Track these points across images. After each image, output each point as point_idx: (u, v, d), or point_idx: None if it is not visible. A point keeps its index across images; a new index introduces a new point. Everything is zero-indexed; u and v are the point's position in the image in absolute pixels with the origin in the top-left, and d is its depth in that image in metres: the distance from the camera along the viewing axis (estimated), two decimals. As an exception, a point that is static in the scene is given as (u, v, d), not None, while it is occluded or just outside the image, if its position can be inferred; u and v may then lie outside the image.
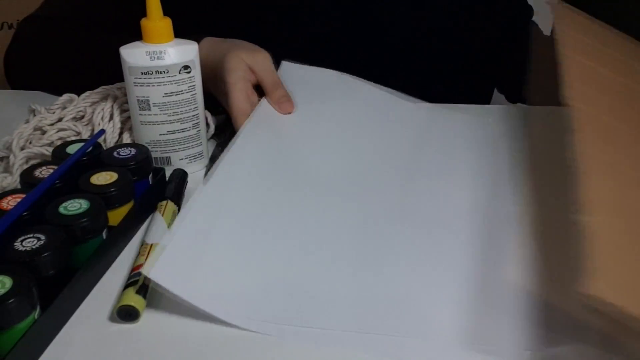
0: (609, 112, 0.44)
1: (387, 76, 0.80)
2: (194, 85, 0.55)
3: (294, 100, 0.63)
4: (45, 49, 0.74)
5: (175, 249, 0.42)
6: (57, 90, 0.69)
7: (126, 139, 0.60)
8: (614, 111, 0.45)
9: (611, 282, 0.29)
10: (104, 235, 0.45)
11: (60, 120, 0.61)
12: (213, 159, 0.61)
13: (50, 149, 0.54)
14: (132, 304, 0.40)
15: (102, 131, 0.58)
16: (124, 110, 0.61)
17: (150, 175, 0.53)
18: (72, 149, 0.52)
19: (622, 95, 0.48)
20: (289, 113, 0.63)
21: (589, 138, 0.38)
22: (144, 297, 0.41)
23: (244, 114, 0.60)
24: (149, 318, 0.40)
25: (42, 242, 0.39)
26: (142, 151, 0.53)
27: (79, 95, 0.64)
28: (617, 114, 0.45)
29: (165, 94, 0.54)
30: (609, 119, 0.42)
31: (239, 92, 0.60)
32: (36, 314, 0.37)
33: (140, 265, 0.43)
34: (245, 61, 0.61)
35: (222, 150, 0.62)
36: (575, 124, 0.39)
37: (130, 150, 0.52)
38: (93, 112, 0.61)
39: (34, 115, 0.62)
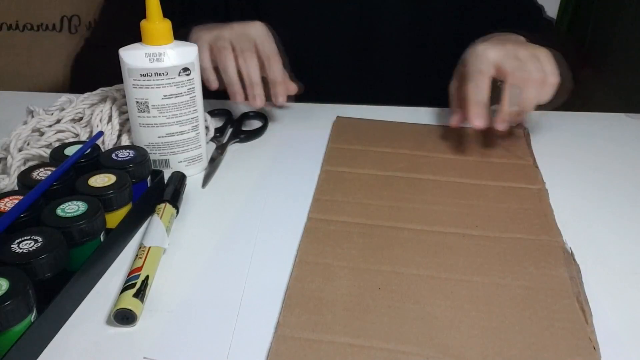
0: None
1: (383, 78, 0.80)
2: (193, 88, 0.55)
3: None
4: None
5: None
6: None
7: (125, 141, 0.60)
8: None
9: None
10: (102, 237, 0.45)
11: (58, 121, 0.61)
12: (212, 162, 0.61)
13: (48, 151, 0.54)
14: (129, 307, 0.39)
15: (101, 133, 0.58)
16: (122, 112, 0.61)
17: (149, 178, 0.53)
18: (70, 151, 0.52)
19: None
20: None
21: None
22: (142, 300, 0.41)
23: None
24: (146, 321, 0.40)
25: (39, 244, 0.39)
26: (141, 153, 0.52)
27: None
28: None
29: (164, 96, 0.54)
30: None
31: None
32: (33, 316, 0.37)
33: (138, 269, 0.43)
34: None
35: (221, 153, 0.62)
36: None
37: (129, 153, 0.52)
38: (92, 114, 0.61)
39: (32, 116, 0.61)
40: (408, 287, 0.43)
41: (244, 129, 0.68)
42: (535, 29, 0.79)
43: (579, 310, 0.41)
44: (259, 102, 0.63)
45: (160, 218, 0.49)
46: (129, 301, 0.40)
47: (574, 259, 0.46)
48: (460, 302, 0.42)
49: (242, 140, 0.67)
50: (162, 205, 0.50)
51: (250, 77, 0.63)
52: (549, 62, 0.58)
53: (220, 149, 0.63)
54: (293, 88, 0.67)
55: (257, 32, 0.65)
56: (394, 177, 0.57)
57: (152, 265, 0.44)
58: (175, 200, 0.52)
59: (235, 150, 0.65)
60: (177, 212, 0.52)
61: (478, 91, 0.58)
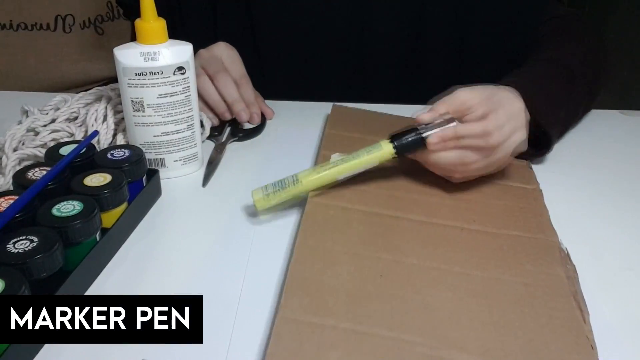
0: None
1: (377, 76, 0.79)
2: (188, 87, 0.55)
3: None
4: None
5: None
6: None
7: (120, 140, 0.60)
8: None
9: None
10: (98, 237, 0.45)
11: (53, 121, 0.61)
12: (211, 161, 0.61)
13: (43, 150, 0.54)
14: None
15: (96, 132, 0.58)
16: (117, 111, 0.61)
17: (144, 177, 0.53)
18: (65, 151, 0.52)
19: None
20: None
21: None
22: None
23: None
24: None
25: (34, 244, 0.39)
26: (136, 153, 0.52)
27: None
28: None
29: (159, 95, 0.54)
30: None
31: None
32: (29, 317, 0.37)
33: None
34: None
35: (220, 152, 0.63)
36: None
37: (124, 152, 0.52)
38: (87, 113, 0.61)
39: (27, 116, 0.61)
40: (409, 277, 0.43)
41: (241, 128, 0.68)
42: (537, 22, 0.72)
43: (576, 308, 0.41)
44: (244, 116, 0.67)
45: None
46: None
47: (570, 259, 0.46)
48: (460, 294, 0.42)
49: (240, 139, 0.67)
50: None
51: (230, 96, 0.66)
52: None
53: (219, 148, 0.63)
54: (270, 112, 0.72)
55: (223, 52, 0.68)
56: (392, 166, 0.57)
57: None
58: None
59: (234, 149, 0.65)
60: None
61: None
